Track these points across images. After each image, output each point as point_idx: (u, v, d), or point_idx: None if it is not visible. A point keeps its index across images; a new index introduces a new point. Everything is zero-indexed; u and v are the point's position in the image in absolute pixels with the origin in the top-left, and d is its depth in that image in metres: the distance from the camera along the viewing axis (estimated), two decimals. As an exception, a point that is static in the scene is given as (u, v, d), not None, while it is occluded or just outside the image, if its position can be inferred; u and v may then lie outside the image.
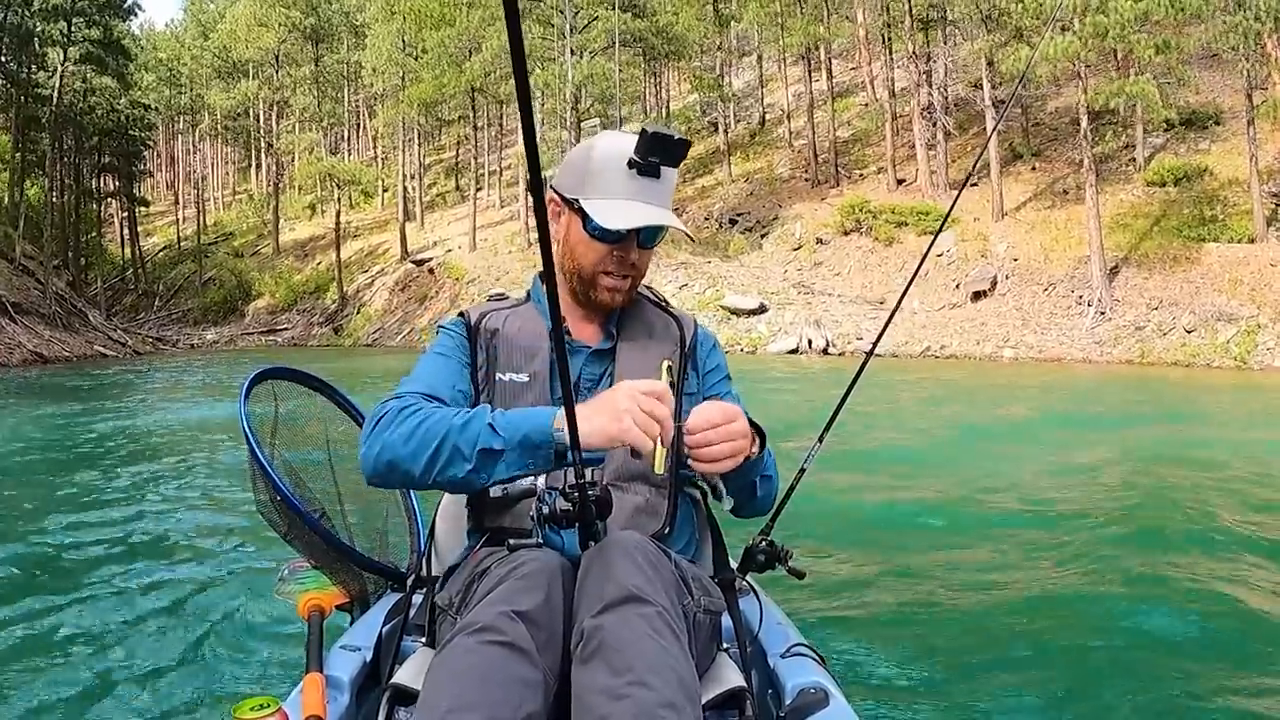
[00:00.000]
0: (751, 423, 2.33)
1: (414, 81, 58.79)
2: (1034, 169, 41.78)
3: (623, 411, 2.00)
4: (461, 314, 2.64)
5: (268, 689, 3.95)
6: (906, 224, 40.04)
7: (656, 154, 2.37)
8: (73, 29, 53.04)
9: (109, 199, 78.01)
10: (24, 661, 4.57)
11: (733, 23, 58.05)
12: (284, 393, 3.48)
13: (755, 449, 2.33)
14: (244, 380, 3.24)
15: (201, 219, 79.38)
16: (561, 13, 44.84)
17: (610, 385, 2.41)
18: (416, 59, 58.99)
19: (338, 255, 60.27)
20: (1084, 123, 33.65)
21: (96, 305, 56.83)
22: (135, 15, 62.08)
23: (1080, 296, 33.23)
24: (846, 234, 41.65)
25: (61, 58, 52.84)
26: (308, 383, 3.64)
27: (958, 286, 36.59)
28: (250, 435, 3.03)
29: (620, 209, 2.38)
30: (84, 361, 38.43)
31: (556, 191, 2.50)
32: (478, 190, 58.26)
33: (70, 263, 61.72)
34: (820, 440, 2.64)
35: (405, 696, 2.15)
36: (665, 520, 2.45)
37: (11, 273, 44.57)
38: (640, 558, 2.02)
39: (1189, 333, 29.54)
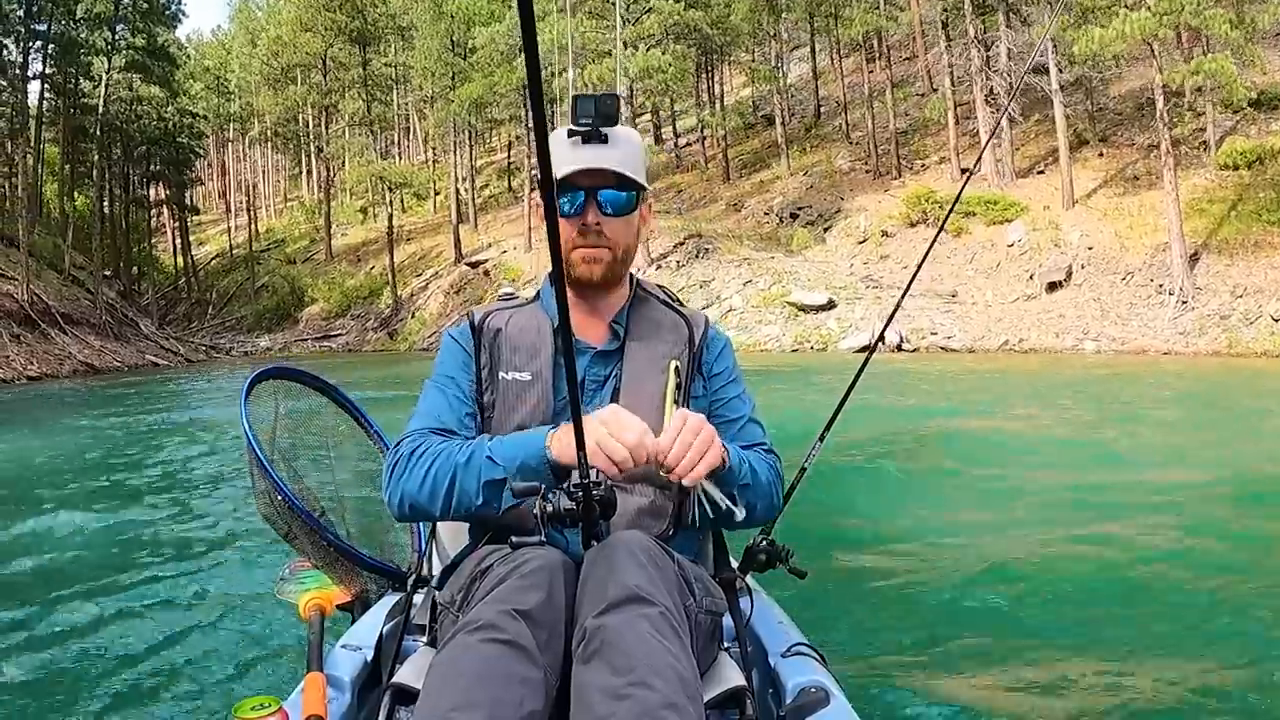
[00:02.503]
0: None
1: (463, 82, 58.15)
2: (1101, 155, 40.61)
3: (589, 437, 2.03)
4: (468, 315, 2.69)
5: (269, 689, 3.87)
6: (975, 214, 38.80)
7: (587, 115, 2.36)
8: (117, 37, 53.07)
9: (159, 207, 78.46)
10: (25, 660, 4.64)
11: (784, 14, 57.11)
12: (285, 392, 3.55)
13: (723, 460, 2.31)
14: (245, 380, 3.29)
15: (253, 226, 79.75)
16: (613, 4, 43.99)
17: (617, 386, 2.52)
18: (465, 59, 58.50)
19: (391, 259, 59.84)
20: (1160, 104, 32.35)
21: (148, 314, 56.86)
22: (180, 22, 62.24)
23: (1160, 285, 31.95)
24: (912, 225, 40.58)
25: (106, 66, 52.85)
26: (309, 382, 3.69)
27: (1031, 277, 35.42)
28: (251, 435, 3.09)
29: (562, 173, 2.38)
30: (135, 371, 38.40)
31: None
32: (531, 190, 57.26)
33: (121, 272, 62.14)
34: (821, 439, 2.79)
35: (406, 696, 2.17)
36: (669, 522, 2.47)
37: (61, 283, 44.47)
38: (643, 557, 2.04)
39: (1277, 321, 28.28)
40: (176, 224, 78.94)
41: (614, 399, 2.47)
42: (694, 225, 47.06)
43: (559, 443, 2.18)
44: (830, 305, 36.72)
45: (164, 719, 4.00)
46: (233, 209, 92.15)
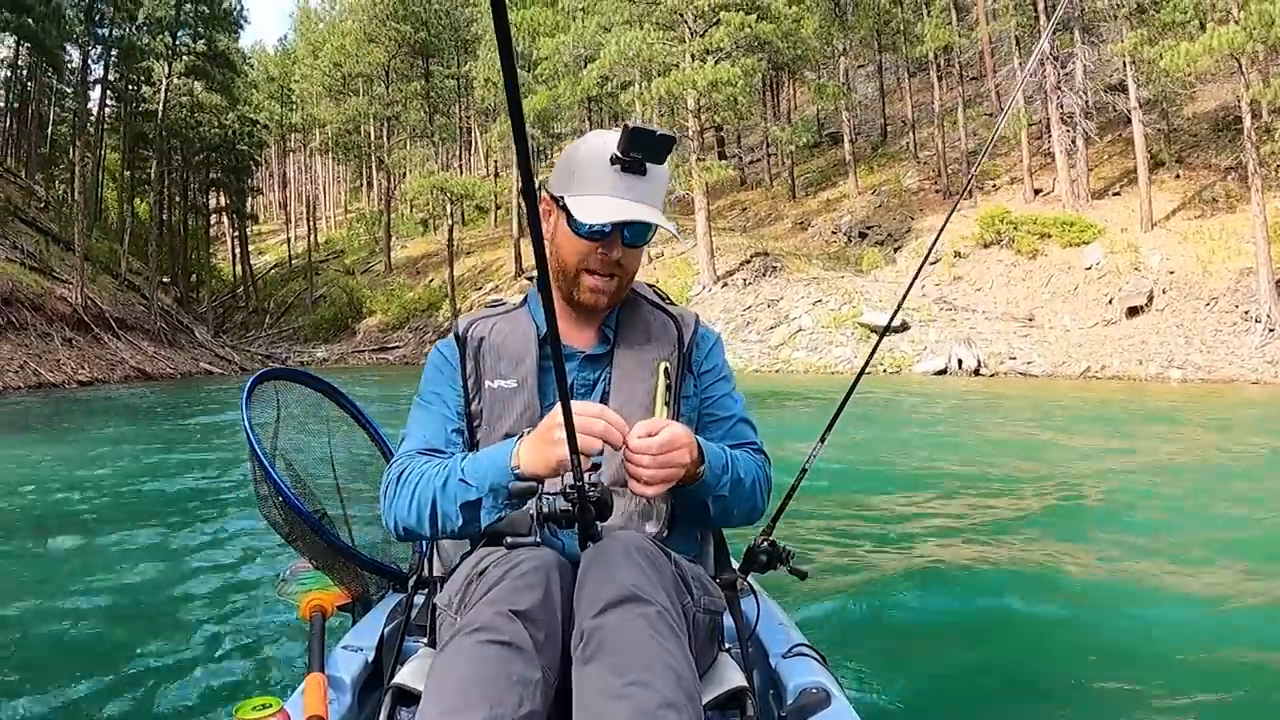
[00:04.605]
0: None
1: (526, 94, 57.65)
2: (1178, 177, 39.47)
3: (557, 438, 2.02)
4: (454, 325, 2.67)
5: (269, 689, 4.07)
6: (1050, 235, 37.81)
7: (638, 150, 2.30)
8: (178, 42, 53.94)
9: (219, 214, 79.13)
10: (25, 659, 4.68)
11: (852, 31, 56.42)
12: (286, 394, 3.57)
13: (698, 471, 2.29)
14: (246, 382, 3.32)
15: (313, 236, 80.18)
16: (681, 16, 43.30)
17: (606, 389, 2.51)
18: (529, 70, 58.13)
19: (450, 272, 59.78)
20: (1247, 122, 31.41)
21: (204, 321, 57.24)
22: (241, 29, 62.87)
23: (1246, 312, 30.74)
24: (986, 246, 39.42)
25: (167, 71, 53.45)
26: (310, 384, 3.72)
27: (1110, 301, 34.23)
28: (252, 437, 3.12)
29: (600, 204, 2.35)
30: (188, 378, 38.32)
31: (547, 191, 2.52)
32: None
33: (178, 279, 62.80)
34: (821, 441, 2.76)
35: (407, 697, 2.16)
36: (664, 523, 2.45)
37: (116, 288, 44.46)
38: (640, 557, 2.04)
39: (1369, 351, 27.26)
40: (236, 232, 79.43)
41: (603, 403, 2.43)
42: (760, 243, 46.40)
43: (527, 455, 2.13)
44: (904, 327, 35.74)
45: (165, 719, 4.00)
46: (293, 219, 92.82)
